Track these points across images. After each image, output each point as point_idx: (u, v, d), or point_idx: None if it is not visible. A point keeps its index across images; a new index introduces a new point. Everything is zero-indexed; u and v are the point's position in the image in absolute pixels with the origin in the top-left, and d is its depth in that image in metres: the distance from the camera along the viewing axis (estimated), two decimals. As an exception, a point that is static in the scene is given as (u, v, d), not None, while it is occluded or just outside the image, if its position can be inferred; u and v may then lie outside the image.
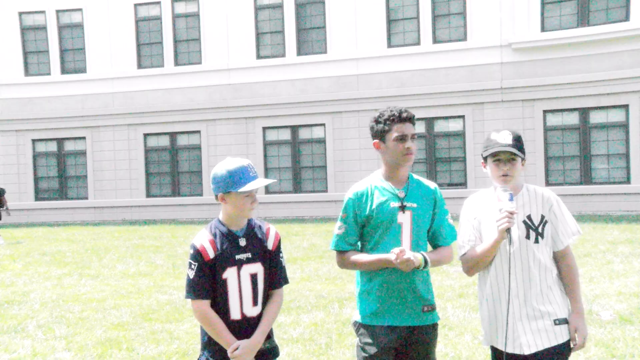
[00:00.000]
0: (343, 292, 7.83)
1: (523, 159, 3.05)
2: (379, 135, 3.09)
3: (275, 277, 3.00)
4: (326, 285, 8.31)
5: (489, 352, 5.20)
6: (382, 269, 3.02)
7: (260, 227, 3.01)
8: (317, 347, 5.56)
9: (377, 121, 3.10)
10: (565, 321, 3.00)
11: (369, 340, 3.05)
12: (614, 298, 7.01)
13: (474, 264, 3.07)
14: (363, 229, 3.11)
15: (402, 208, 3.03)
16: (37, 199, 22.08)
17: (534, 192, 3.07)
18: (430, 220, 3.12)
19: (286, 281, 3.07)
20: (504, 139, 3.00)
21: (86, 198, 21.76)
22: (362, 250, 3.14)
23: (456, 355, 5.22)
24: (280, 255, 3.03)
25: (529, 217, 3.02)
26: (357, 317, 3.14)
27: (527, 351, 2.96)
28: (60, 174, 21.98)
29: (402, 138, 3.02)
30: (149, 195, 21.29)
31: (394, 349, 3.05)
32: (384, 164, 3.14)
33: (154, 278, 9.45)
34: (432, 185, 3.18)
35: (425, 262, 2.98)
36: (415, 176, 3.19)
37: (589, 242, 11.09)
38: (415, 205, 3.05)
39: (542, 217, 3.02)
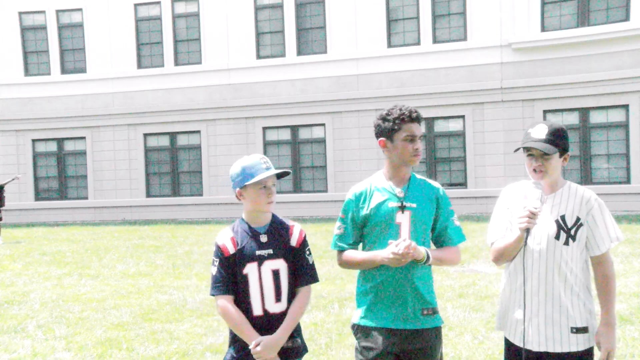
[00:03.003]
0: (343, 292, 7.83)
1: (564, 154, 2.93)
2: (386, 133, 3.02)
3: (301, 274, 2.98)
4: (326, 285, 8.31)
5: (489, 352, 5.22)
6: (381, 268, 2.96)
7: (284, 224, 3.01)
8: (317, 347, 5.56)
9: (384, 119, 3.02)
10: (584, 330, 2.90)
11: (367, 344, 2.99)
12: (614, 298, 7.00)
13: (500, 255, 3.00)
14: (363, 229, 3.07)
15: (402, 208, 2.98)
16: (37, 199, 22.08)
17: (574, 192, 2.94)
18: (433, 221, 3.05)
19: (314, 279, 3.02)
20: (538, 133, 2.91)
21: (86, 198, 21.76)
22: (363, 250, 3.10)
23: (456, 356, 5.22)
24: (307, 252, 3.01)
25: (562, 217, 2.90)
26: (355, 319, 3.08)
27: (535, 348, 2.91)
28: (60, 174, 21.98)
29: (411, 138, 2.98)
30: (149, 195, 21.28)
31: (393, 353, 2.96)
32: (388, 163, 3.08)
33: (154, 278, 9.45)
34: (435, 184, 3.12)
35: (428, 256, 2.90)
36: (419, 176, 3.13)
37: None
38: (414, 205, 2.99)
39: (578, 219, 2.89)
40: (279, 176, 2.97)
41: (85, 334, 6.28)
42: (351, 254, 3.06)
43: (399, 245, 2.82)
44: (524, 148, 2.94)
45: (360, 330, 3.05)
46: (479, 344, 5.48)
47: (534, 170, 2.91)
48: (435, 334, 3.02)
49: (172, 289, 8.48)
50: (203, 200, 20.51)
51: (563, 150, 2.92)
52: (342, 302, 7.23)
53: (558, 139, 2.90)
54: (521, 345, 2.93)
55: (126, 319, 6.86)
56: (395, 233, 2.96)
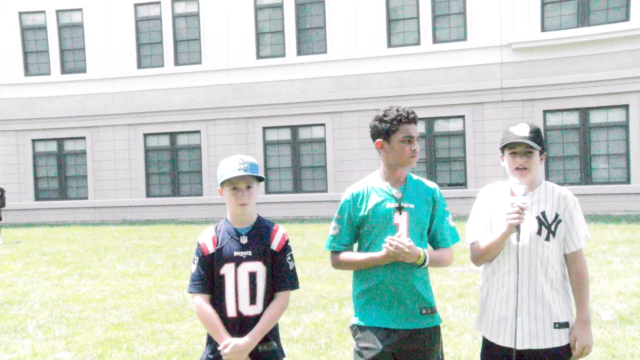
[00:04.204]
0: (343, 292, 7.82)
1: (542, 153, 3.01)
2: (383, 134, 3.02)
3: (280, 279, 2.94)
4: (326, 285, 8.31)
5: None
6: (377, 269, 2.95)
7: (267, 227, 2.98)
8: (317, 347, 5.56)
9: (381, 120, 3.03)
10: (566, 325, 2.94)
11: (366, 345, 2.96)
12: (614, 298, 7.01)
13: (482, 254, 3.02)
14: (359, 229, 3.05)
15: (399, 209, 2.97)
16: (37, 199, 22.08)
17: (551, 190, 3.02)
18: (429, 222, 3.04)
19: (293, 286, 2.98)
20: (521, 131, 2.96)
21: (86, 198, 21.76)
22: (359, 251, 3.07)
23: (456, 356, 5.21)
24: (288, 257, 2.97)
25: (542, 213, 2.96)
26: (354, 320, 3.07)
27: (519, 346, 2.92)
28: (60, 174, 21.98)
29: (409, 139, 2.98)
30: (149, 195, 21.29)
31: (392, 354, 2.94)
32: (385, 164, 3.08)
33: (154, 278, 9.45)
34: (432, 185, 3.11)
35: (424, 258, 2.90)
36: (415, 176, 3.12)
37: (589, 242, 11.07)
38: (412, 206, 2.98)
39: (557, 215, 2.96)
40: (261, 179, 2.95)
41: (85, 334, 6.27)
42: (349, 255, 3.04)
43: (394, 238, 2.84)
44: (506, 146, 2.99)
45: (359, 331, 3.03)
46: (479, 344, 5.46)
47: (517, 168, 2.97)
48: (434, 333, 3.01)
49: (172, 289, 8.47)
50: (203, 200, 20.51)
51: (542, 149, 3.01)
52: (342, 302, 7.23)
53: (539, 137, 2.99)
54: (506, 344, 2.95)
55: (126, 319, 6.85)
56: (393, 234, 2.94)
